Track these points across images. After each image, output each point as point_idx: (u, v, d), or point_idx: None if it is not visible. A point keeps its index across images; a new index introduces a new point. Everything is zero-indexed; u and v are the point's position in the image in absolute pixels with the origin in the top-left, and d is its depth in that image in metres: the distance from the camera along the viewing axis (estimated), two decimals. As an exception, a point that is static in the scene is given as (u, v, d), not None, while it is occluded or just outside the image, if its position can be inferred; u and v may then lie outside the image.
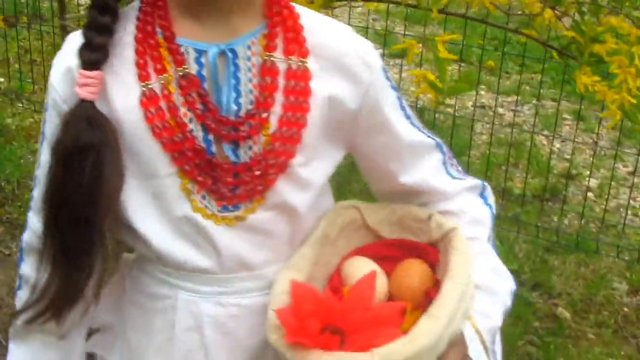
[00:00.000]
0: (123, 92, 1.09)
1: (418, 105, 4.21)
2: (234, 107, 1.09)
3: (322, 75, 1.12)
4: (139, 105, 1.08)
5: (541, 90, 4.57)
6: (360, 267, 1.19)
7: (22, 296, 1.21)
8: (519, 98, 4.68)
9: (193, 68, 1.09)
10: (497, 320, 1.18)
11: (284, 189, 1.12)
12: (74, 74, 1.08)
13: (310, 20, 1.14)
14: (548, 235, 3.62)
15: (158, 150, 1.08)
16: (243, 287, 1.15)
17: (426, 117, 4.32)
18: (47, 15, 5.13)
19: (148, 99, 1.08)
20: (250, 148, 1.10)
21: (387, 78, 1.18)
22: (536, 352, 2.96)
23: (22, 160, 3.94)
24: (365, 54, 1.15)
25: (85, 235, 1.09)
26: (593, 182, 4.06)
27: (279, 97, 1.10)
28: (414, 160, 1.22)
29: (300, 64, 1.11)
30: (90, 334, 1.30)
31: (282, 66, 1.11)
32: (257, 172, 1.10)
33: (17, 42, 4.83)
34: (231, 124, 1.09)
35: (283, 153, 1.11)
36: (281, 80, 1.10)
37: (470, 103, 4.75)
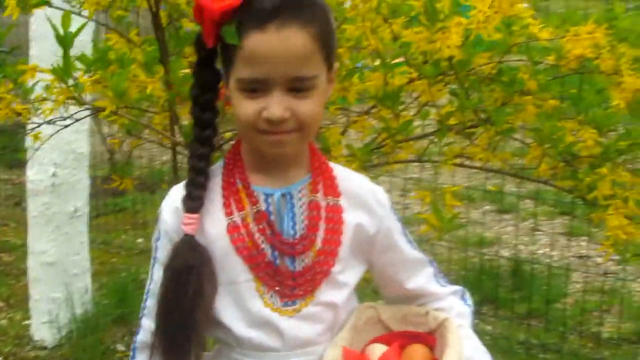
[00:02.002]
0: (214, 225, 1.52)
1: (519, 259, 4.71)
2: (292, 232, 1.54)
3: (350, 209, 1.58)
4: (226, 232, 1.52)
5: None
6: (377, 352, 1.62)
7: None
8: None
9: (263, 206, 1.53)
10: None
11: (327, 290, 1.55)
12: (180, 213, 1.52)
13: (340, 172, 1.61)
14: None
15: (240, 263, 1.51)
16: None
17: (524, 267, 4.78)
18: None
19: (232, 228, 1.52)
20: (303, 260, 1.54)
21: (394, 213, 1.64)
22: None
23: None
24: (377, 196, 1.61)
25: (187, 334, 1.49)
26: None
27: (322, 224, 1.55)
28: (415, 272, 1.67)
29: (335, 201, 1.57)
30: None
31: (323, 203, 1.56)
32: (309, 277, 1.54)
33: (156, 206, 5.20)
34: (290, 244, 1.53)
35: (326, 264, 1.55)
36: (323, 213, 1.55)
37: (571, 254, 5.07)
